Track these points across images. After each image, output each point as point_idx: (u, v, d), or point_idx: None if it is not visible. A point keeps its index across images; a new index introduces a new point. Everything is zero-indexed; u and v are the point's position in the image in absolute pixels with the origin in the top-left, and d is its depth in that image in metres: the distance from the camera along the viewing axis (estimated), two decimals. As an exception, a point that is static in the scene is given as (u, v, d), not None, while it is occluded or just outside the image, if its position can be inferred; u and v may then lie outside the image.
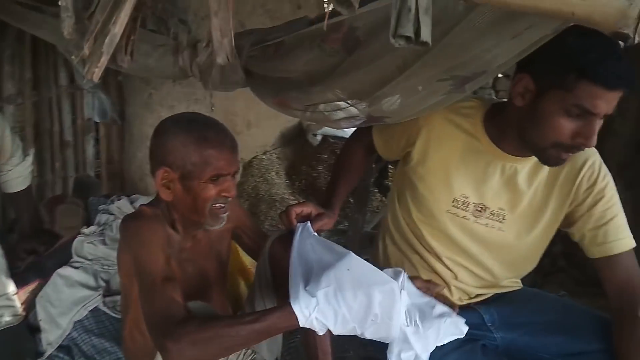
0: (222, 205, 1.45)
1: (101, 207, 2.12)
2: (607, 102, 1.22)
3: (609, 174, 1.47)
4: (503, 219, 1.49)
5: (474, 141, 1.48)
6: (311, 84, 1.44)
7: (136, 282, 1.34)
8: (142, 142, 3.54)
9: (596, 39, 1.10)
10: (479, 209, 1.49)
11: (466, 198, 1.49)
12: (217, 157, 1.39)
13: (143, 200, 2.08)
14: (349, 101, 1.41)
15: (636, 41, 0.74)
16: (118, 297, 1.88)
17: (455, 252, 1.53)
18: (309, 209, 1.50)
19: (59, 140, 3.33)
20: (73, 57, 1.70)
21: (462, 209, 1.49)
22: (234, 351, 1.37)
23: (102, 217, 2.03)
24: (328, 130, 4.43)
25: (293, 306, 1.11)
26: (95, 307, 1.82)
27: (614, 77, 1.19)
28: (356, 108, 1.43)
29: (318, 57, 1.37)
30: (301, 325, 1.12)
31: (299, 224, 1.44)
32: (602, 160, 1.48)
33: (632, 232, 1.46)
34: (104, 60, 1.10)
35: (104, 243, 1.93)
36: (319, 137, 4.42)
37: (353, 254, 1.19)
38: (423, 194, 1.52)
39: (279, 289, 1.61)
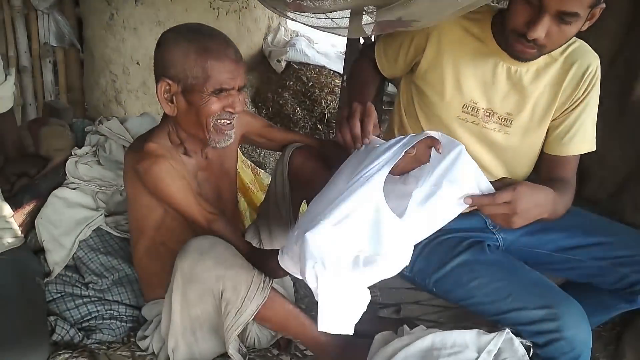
0: (228, 121, 1.39)
1: (88, 128, 2.03)
2: None
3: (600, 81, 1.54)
4: (510, 123, 1.53)
5: (483, 46, 1.49)
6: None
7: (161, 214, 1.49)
8: (105, 67, 3.36)
9: None
10: (488, 114, 1.53)
11: (475, 103, 1.52)
12: (220, 69, 1.32)
13: (136, 120, 2.01)
14: (371, 7, 1.39)
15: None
16: (119, 217, 1.86)
17: None
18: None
19: (15, 66, 3.14)
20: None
21: (472, 114, 1.53)
22: None
23: (92, 138, 1.95)
24: (292, 56, 4.34)
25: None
26: (98, 227, 1.78)
27: None
28: (375, 14, 1.41)
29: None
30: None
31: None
32: (600, 67, 1.54)
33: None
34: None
35: (98, 163, 1.87)
36: (284, 64, 4.33)
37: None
38: (433, 101, 1.54)
39: (296, 202, 1.62)
